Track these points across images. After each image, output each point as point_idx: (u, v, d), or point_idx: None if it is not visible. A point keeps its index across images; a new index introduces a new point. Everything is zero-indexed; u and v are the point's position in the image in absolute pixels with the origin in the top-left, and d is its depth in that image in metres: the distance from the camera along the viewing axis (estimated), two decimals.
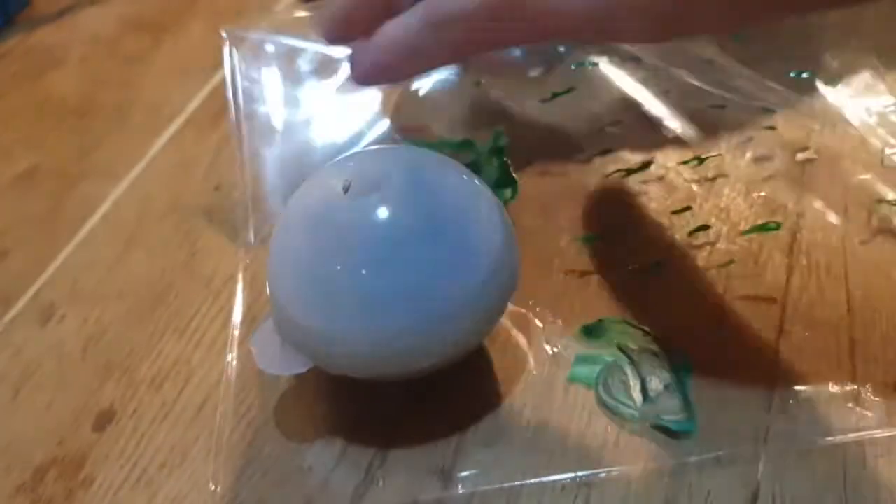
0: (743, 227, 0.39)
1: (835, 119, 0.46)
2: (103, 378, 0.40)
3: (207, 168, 0.50)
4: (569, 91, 0.47)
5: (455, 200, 0.33)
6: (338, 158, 0.35)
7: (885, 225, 0.40)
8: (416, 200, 0.33)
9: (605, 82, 0.48)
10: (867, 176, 0.42)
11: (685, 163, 0.42)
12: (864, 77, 0.48)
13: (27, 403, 0.39)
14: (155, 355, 0.40)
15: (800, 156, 0.44)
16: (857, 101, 0.46)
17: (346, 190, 0.33)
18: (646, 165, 0.42)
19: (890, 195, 0.41)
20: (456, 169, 0.35)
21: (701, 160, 0.42)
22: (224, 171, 0.50)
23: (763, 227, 0.39)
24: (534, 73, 0.47)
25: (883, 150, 0.43)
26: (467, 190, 0.34)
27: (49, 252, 0.47)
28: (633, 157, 0.43)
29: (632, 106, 0.46)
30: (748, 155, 0.45)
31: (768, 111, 0.46)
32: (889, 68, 0.48)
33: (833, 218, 0.41)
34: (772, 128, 0.46)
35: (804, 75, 0.49)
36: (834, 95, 0.47)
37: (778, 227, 0.39)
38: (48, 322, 0.43)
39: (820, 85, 0.48)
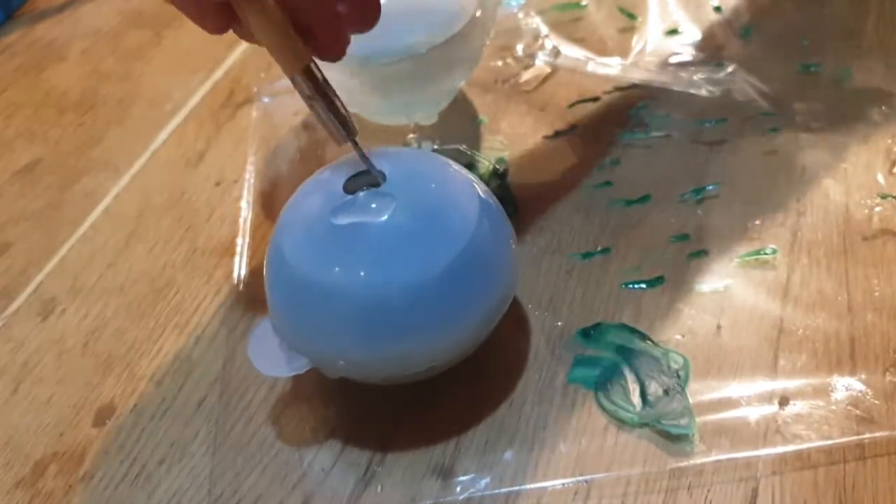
0: (739, 252, 0.40)
1: (839, 117, 0.46)
2: (104, 373, 0.40)
3: (208, 163, 0.50)
4: (571, 130, 0.48)
5: (456, 203, 0.33)
6: (340, 158, 0.35)
7: (885, 224, 0.40)
8: (417, 202, 0.33)
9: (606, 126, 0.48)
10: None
11: (682, 196, 0.43)
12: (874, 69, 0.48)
13: (27, 398, 0.39)
14: (155, 351, 0.40)
15: (802, 154, 0.44)
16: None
17: (346, 190, 0.33)
18: (645, 198, 0.43)
19: None
20: (457, 172, 0.35)
21: (698, 191, 0.43)
22: (225, 166, 0.50)
23: (758, 253, 0.39)
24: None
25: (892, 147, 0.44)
26: (468, 194, 0.34)
27: (50, 246, 0.47)
28: (632, 189, 0.43)
29: (630, 144, 0.46)
30: (747, 161, 0.45)
31: (768, 114, 0.46)
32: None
33: (833, 217, 0.41)
34: (774, 129, 0.46)
35: (812, 69, 0.49)
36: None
37: (774, 252, 0.39)
38: (49, 316, 0.43)
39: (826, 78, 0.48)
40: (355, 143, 0.33)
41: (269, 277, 0.34)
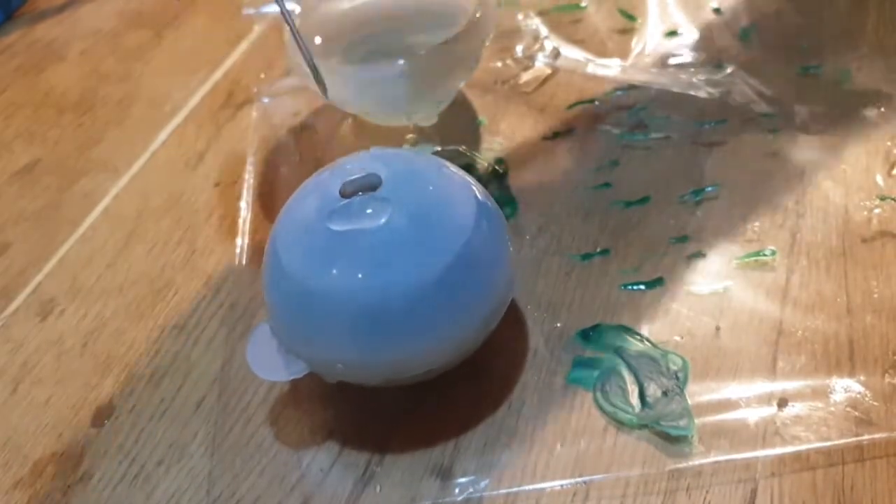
0: (738, 253, 0.40)
1: (838, 118, 0.46)
2: (102, 373, 0.40)
3: (208, 164, 0.50)
4: (570, 131, 0.48)
5: (453, 206, 0.33)
6: (337, 161, 0.35)
7: (884, 226, 0.40)
8: (414, 206, 0.33)
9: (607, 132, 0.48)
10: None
11: (681, 198, 0.43)
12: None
13: (26, 398, 0.39)
14: (154, 351, 0.40)
15: (801, 155, 0.44)
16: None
17: (343, 194, 0.33)
18: (644, 200, 0.43)
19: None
20: (455, 174, 0.35)
21: (697, 192, 0.43)
22: (224, 167, 0.50)
23: (757, 255, 0.39)
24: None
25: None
26: (466, 196, 0.34)
27: (49, 247, 0.47)
28: (632, 191, 0.43)
29: (629, 146, 0.46)
30: (746, 162, 0.45)
31: (768, 116, 0.46)
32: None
33: (833, 219, 0.41)
34: (774, 130, 0.46)
35: (812, 70, 0.49)
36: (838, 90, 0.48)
37: (773, 254, 0.39)
38: (48, 317, 0.43)
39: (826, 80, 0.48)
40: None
41: (266, 282, 0.34)
